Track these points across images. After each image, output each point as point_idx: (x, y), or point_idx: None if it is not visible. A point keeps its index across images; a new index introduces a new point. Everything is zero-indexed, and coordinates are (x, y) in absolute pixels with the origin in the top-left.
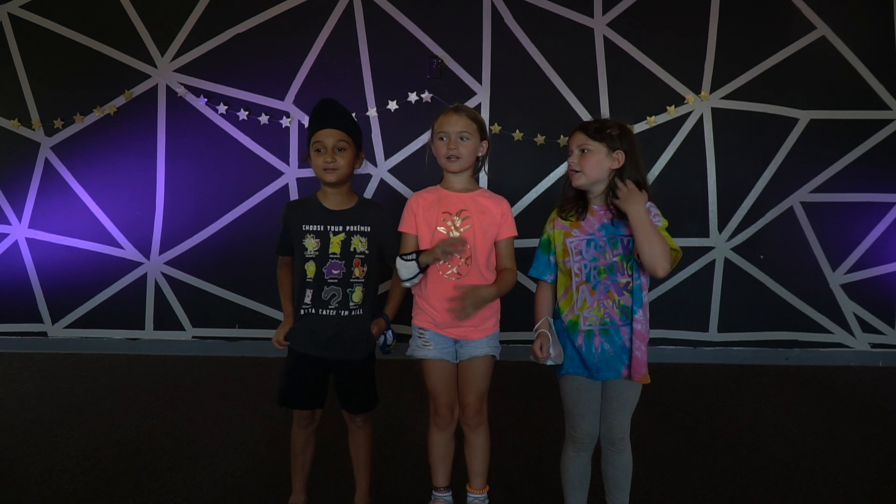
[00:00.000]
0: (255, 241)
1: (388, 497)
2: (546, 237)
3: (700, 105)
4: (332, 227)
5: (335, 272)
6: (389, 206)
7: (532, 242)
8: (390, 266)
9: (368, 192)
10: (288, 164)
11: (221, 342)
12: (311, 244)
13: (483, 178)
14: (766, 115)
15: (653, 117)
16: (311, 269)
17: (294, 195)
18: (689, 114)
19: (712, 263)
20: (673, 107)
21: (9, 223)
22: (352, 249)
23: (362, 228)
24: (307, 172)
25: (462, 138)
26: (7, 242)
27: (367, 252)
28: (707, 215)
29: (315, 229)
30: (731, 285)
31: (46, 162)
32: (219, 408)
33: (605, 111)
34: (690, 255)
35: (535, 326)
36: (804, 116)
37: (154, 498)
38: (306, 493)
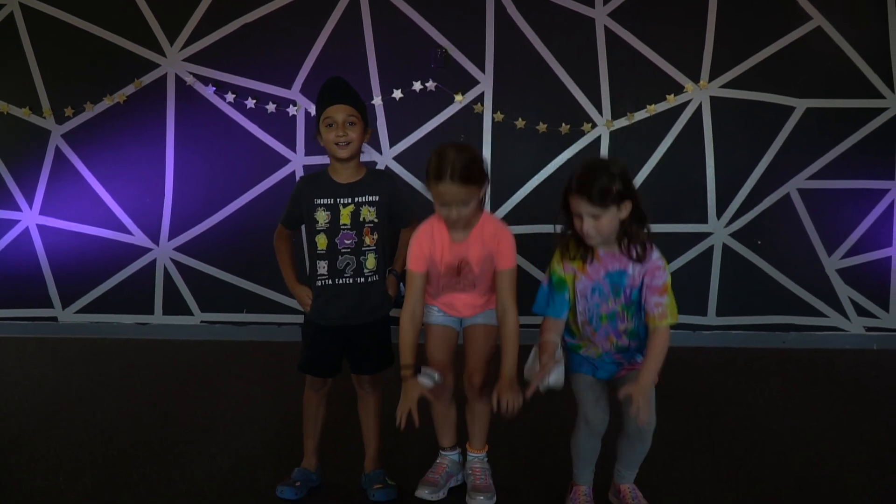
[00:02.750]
0: (263, 227)
1: (397, 461)
2: (558, 277)
3: (699, 94)
4: (342, 199)
5: (347, 242)
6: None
7: (533, 229)
8: (400, 229)
9: None
10: (295, 151)
11: (230, 327)
12: (322, 217)
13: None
14: (763, 103)
15: (653, 105)
16: (321, 241)
17: None
18: (688, 102)
19: (711, 249)
20: (672, 95)
21: (20, 210)
22: (361, 219)
23: (371, 198)
24: (314, 160)
25: (461, 203)
26: (18, 229)
27: (376, 220)
28: (706, 202)
29: (326, 202)
30: (729, 270)
31: (57, 149)
32: (230, 388)
33: (605, 99)
34: (689, 241)
35: (536, 358)
36: (801, 105)
37: (171, 467)
38: (317, 457)
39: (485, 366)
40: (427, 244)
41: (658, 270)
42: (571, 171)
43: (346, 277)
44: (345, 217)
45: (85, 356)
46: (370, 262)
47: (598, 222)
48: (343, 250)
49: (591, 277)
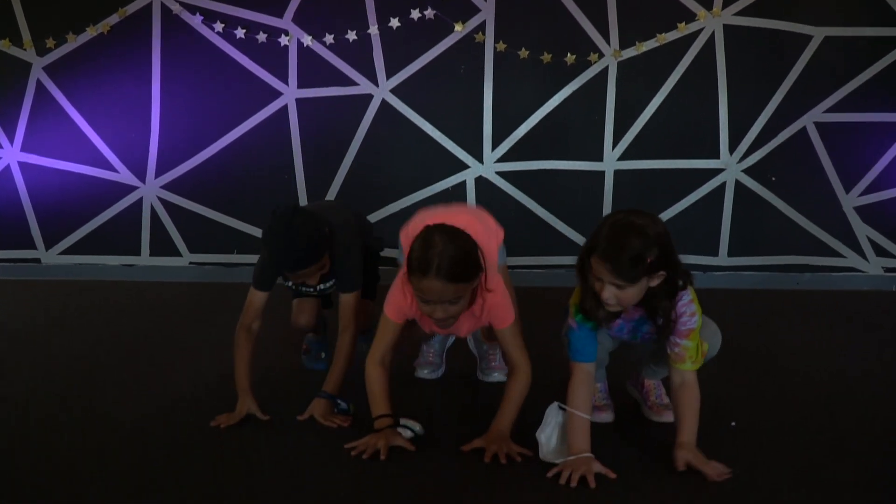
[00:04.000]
0: (254, 163)
1: None
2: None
3: (711, 22)
4: (308, 289)
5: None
6: (395, 131)
7: (537, 165)
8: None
9: (369, 115)
10: (287, 84)
11: (220, 268)
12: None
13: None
14: (779, 31)
15: (663, 35)
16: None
17: (294, 117)
18: (700, 31)
19: (722, 186)
20: (683, 24)
21: (0, 147)
22: (319, 289)
23: (331, 283)
24: (307, 93)
25: (449, 303)
26: None
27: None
28: (717, 136)
29: (290, 285)
30: (741, 208)
31: (38, 83)
32: (219, 326)
33: (613, 28)
34: (700, 177)
35: (556, 428)
36: (818, 34)
37: (157, 382)
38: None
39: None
40: (408, 307)
41: (684, 317)
42: (596, 227)
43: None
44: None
45: (69, 298)
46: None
47: (622, 293)
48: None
49: (616, 322)
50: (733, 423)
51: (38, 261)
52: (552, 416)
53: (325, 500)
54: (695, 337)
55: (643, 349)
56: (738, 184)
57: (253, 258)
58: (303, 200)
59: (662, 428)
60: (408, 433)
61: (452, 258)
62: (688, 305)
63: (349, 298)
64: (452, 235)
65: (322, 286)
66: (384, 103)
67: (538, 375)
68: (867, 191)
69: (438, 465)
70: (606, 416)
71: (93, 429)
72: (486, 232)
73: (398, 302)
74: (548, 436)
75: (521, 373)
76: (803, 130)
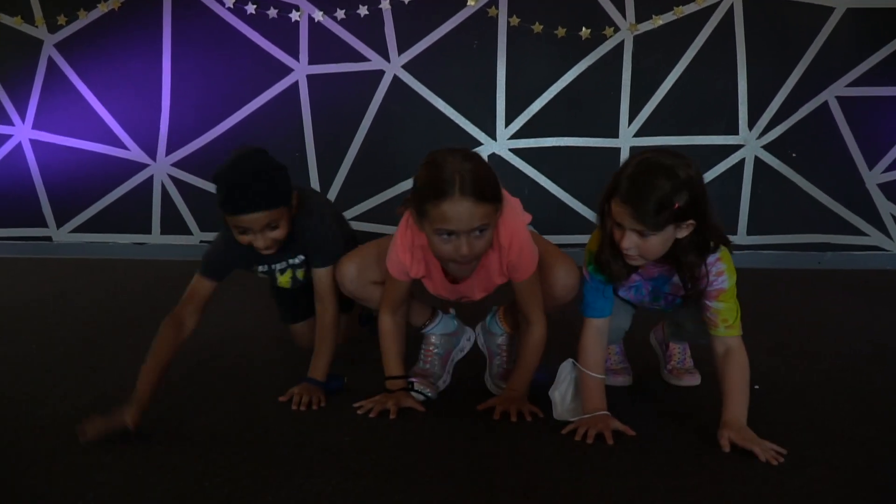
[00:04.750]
0: (265, 141)
1: None
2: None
3: None
4: (277, 264)
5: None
6: (406, 108)
7: (550, 142)
8: (313, 267)
9: (380, 92)
10: (298, 60)
11: None
12: (259, 276)
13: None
14: (800, 3)
15: (680, 7)
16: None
17: (304, 93)
18: (718, 3)
19: (742, 162)
20: None
21: (12, 124)
22: (298, 280)
23: (300, 259)
24: (318, 69)
25: (476, 231)
26: (10, 144)
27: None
28: (736, 111)
29: (262, 269)
30: (761, 185)
31: (50, 60)
32: (228, 304)
33: (629, 1)
34: (719, 153)
35: (571, 384)
36: (840, 5)
37: None
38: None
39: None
40: (410, 264)
41: (711, 275)
42: (622, 166)
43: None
44: (283, 282)
45: (80, 276)
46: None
47: (645, 242)
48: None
49: (634, 277)
50: (756, 386)
51: (49, 239)
52: (566, 373)
53: (330, 453)
54: (727, 298)
55: (668, 316)
56: (757, 160)
57: None
58: (314, 177)
59: (682, 391)
60: (420, 397)
61: (475, 173)
62: (716, 264)
63: (326, 273)
64: (465, 154)
65: (283, 263)
66: (396, 79)
67: (551, 335)
68: (891, 167)
69: (450, 424)
70: (623, 380)
71: (93, 407)
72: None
73: (399, 260)
74: (562, 393)
75: (537, 329)
76: (825, 105)
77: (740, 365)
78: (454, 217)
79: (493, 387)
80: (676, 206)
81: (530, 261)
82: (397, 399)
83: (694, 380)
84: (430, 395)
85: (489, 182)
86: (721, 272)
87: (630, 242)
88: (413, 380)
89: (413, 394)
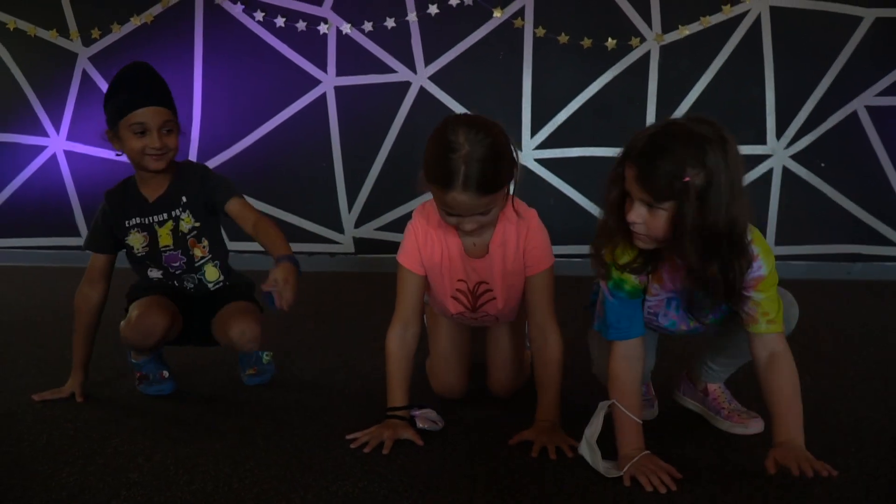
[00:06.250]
0: (293, 151)
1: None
2: (617, 278)
3: (757, 4)
4: (157, 216)
5: (175, 264)
6: (433, 119)
7: (577, 152)
8: (226, 210)
9: (407, 102)
10: (326, 72)
11: (258, 256)
12: (137, 241)
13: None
14: (828, 13)
15: (707, 17)
16: (150, 272)
17: (332, 104)
18: (745, 13)
19: (770, 172)
20: (729, 6)
21: (47, 136)
22: (181, 233)
23: (184, 200)
24: (346, 81)
25: (479, 214)
26: (46, 155)
27: (197, 225)
28: (764, 121)
29: (138, 222)
30: (789, 195)
31: (84, 73)
32: None
33: (655, 11)
34: (747, 163)
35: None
36: (869, 15)
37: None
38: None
39: (512, 366)
40: (426, 245)
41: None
42: (640, 131)
43: (188, 291)
44: (164, 238)
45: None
46: (210, 273)
47: (653, 217)
48: (176, 272)
49: (667, 287)
50: None
51: (81, 248)
52: (599, 410)
53: (356, 456)
54: (767, 287)
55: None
56: (785, 170)
57: (293, 245)
58: (341, 187)
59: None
60: (425, 428)
61: (482, 165)
62: (753, 245)
63: (238, 201)
64: (479, 135)
65: (164, 214)
66: (422, 90)
67: (574, 367)
68: None
69: (475, 430)
70: (648, 413)
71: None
72: None
73: (410, 248)
74: (592, 430)
75: (553, 342)
76: (854, 115)
77: (789, 372)
78: (456, 206)
79: None
80: (687, 179)
81: (546, 244)
82: (394, 431)
83: (759, 425)
84: (439, 425)
85: (498, 172)
86: (757, 255)
87: (637, 215)
88: (416, 414)
89: (419, 424)
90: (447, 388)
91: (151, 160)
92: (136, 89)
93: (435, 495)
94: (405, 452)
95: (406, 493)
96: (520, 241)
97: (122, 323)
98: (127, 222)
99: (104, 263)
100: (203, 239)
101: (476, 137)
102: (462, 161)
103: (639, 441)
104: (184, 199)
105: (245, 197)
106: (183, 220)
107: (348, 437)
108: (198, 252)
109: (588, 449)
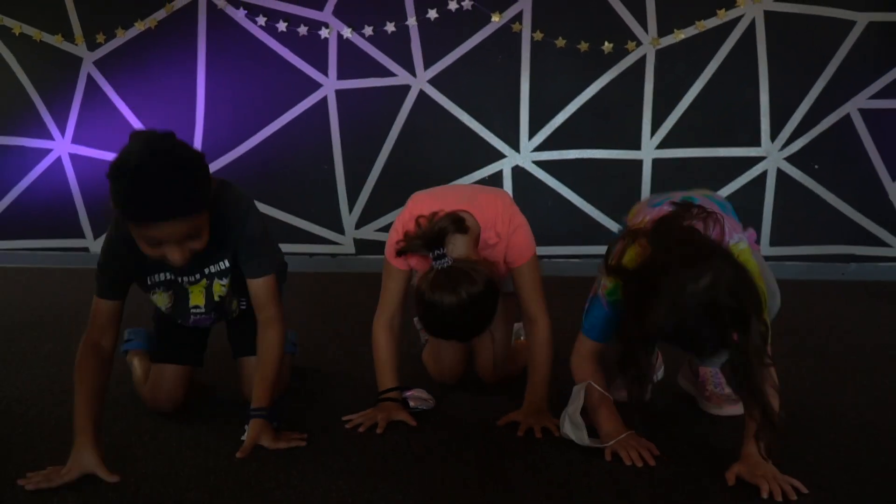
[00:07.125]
0: (294, 154)
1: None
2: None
3: (752, 8)
4: (186, 277)
5: (205, 325)
6: (432, 122)
7: (574, 154)
8: (247, 277)
9: (407, 105)
10: (327, 75)
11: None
12: (161, 300)
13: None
14: (821, 17)
15: (702, 22)
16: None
17: (333, 107)
18: (740, 17)
19: (764, 174)
20: (723, 10)
21: (52, 139)
22: (217, 299)
23: (222, 266)
24: (347, 84)
25: None
26: (51, 158)
27: (230, 286)
28: (759, 124)
29: (163, 279)
30: (783, 197)
31: (88, 77)
32: None
33: (651, 16)
34: (741, 165)
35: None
36: (862, 19)
37: None
38: None
39: (496, 351)
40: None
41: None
42: (653, 283)
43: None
44: (196, 297)
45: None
46: (234, 306)
47: None
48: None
49: None
50: None
51: (86, 249)
52: (577, 392)
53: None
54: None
55: None
56: (779, 172)
57: (293, 247)
58: (342, 189)
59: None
60: (416, 409)
61: (469, 327)
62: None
63: (265, 282)
64: (463, 306)
65: (196, 275)
66: (422, 94)
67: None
68: None
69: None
70: (658, 374)
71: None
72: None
73: (395, 244)
74: (571, 412)
75: (541, 325)
76: (847, 118)
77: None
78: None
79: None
80: (735, 338)
81: (526, 239)
82: (388, 412)
83: (737, 409)
84: (430, 405)
85: (488, 313)
86: (730, 231)
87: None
88: (408, 394)
89: (412, 405)
90: (445, 373)
91: (174, 265)
92: (151, 195)
93: (429, 476)
94: (399, 433)
95: (398, 471)
96: (504, 236)
97: (139, 382)
98: (149, 279)
99: (113, 310)
100: (234, 297)
101: (461, 311)
102: (452, 330)
103: (616, 418)
104: (225, 263)
105: (274, 280)
106: (217, 285)
107: (344, 418)
108: (233, 306)
109: (571, 426)
